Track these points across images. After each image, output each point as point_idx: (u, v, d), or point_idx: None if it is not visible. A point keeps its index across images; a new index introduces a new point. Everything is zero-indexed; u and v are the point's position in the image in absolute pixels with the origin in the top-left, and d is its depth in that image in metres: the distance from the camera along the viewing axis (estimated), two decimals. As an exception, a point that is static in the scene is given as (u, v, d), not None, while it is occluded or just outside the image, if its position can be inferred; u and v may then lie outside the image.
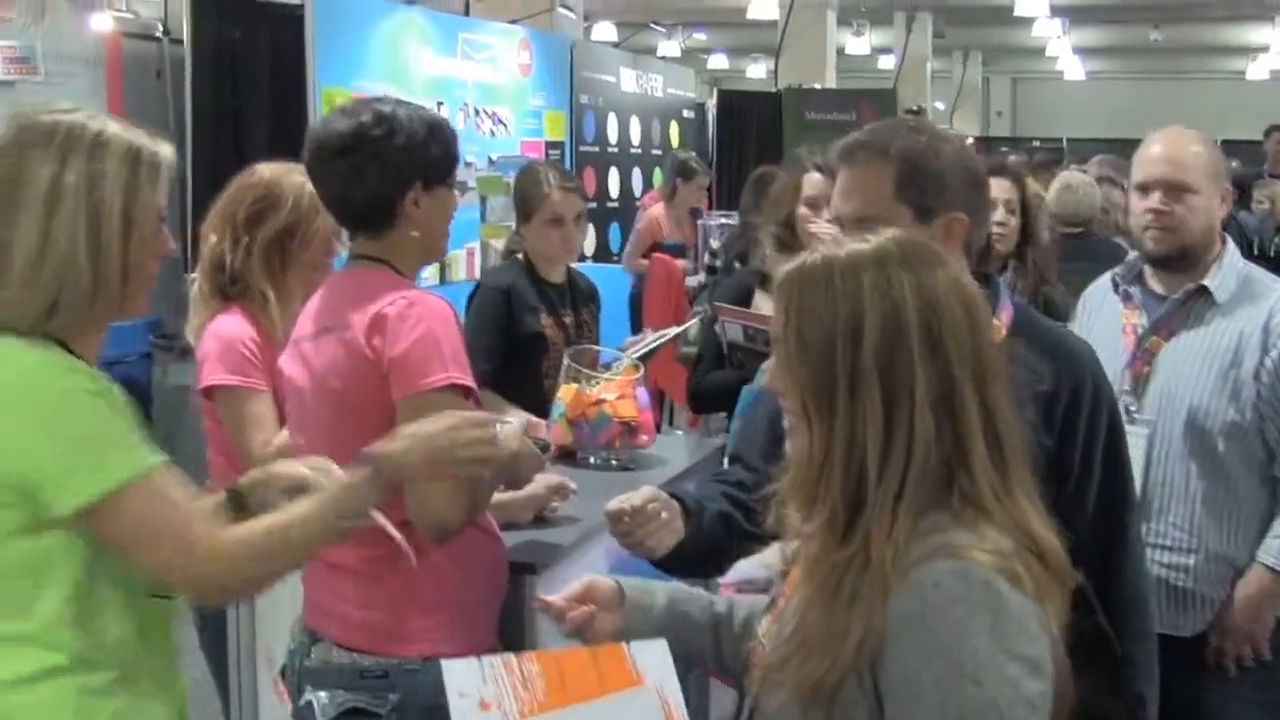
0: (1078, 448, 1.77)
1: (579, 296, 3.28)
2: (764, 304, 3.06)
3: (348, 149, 1.96)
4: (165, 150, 1.58)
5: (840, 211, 1.81)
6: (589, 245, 7.38)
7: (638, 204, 7.66)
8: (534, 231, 3.19)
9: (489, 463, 1.72)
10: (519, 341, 3.08)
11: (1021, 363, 1.68)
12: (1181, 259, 2.39)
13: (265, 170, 2.48)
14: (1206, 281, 2.37)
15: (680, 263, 5.71)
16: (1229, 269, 2.38)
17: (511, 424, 2.10)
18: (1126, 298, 2.49)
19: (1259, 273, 2.43)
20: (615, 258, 7.37)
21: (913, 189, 1.75)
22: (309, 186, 2.23)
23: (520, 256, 3.25)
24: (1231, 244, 2.43)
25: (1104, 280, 2.59)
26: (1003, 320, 1.79)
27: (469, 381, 1.92)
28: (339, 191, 2.01)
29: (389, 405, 1.90)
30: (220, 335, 2.40)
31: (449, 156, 2.04)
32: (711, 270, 5.17)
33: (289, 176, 2.43)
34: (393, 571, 1.91)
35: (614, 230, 7.73)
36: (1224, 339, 2.33)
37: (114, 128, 1.54)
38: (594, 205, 7.50)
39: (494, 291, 3.17)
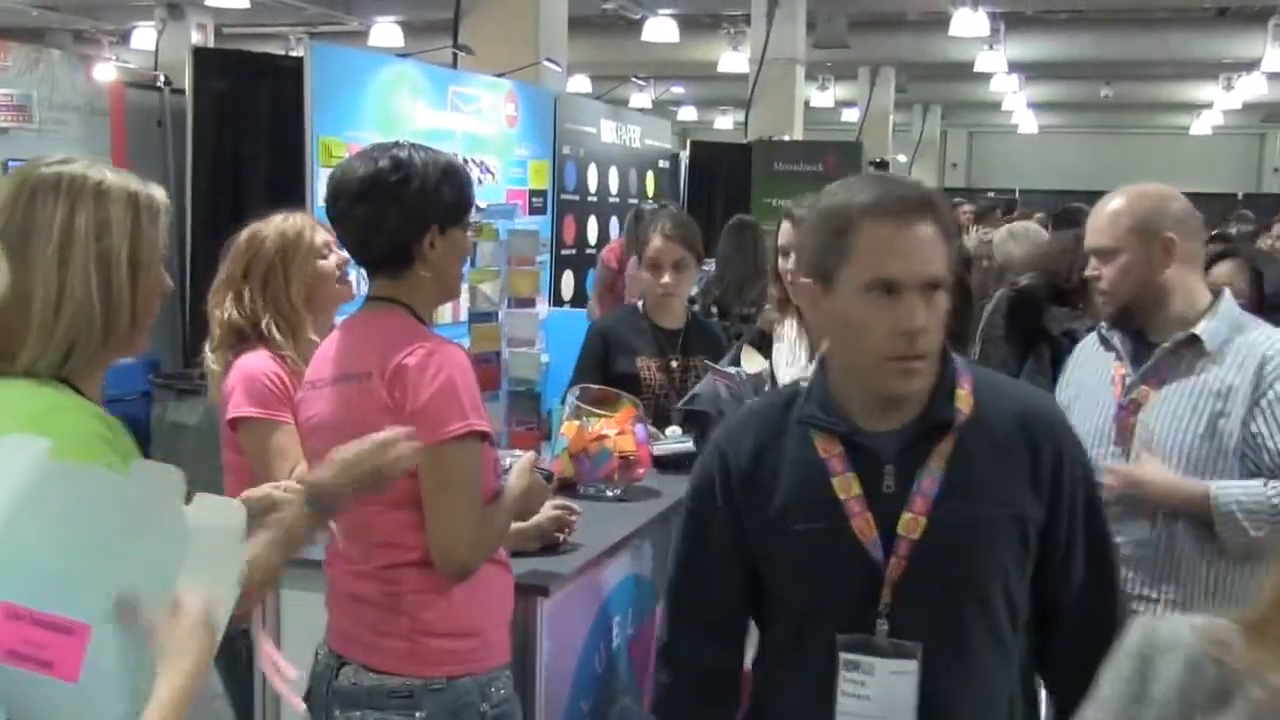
0: (1064, 509, 1.66)
1: (694, 344, 3.43)
2: (747, 360, 3.18)
3: (366, 194, 2.00)
4: (158, 192, 1.62)
5: (905, 276, 1.57)
6: (566, 290, 7.57)
7: (595, 251, 7.68)
8: (641, 274, 3.49)
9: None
10: (614, 380, 3.24)
11: (999, 434, 1.64)
12: (1128, 318, 2.39)
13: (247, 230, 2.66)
14: (1198, 330, 2.29)
15: None
16: (1223, 318, 2.31)
17: (520, 458, 2.23)
18: (1110, 347, 2.43)
19: (1252, 321, 2.36)
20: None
21: (950, 245, 1.63)
22: (287, 225, 2.52)
23: (640, 301, 3.54)
24: (1227, 293, 2.38)
25: (1093, 334, 2.54)
26: (966, 389, 1.69)
27: (486, 427, 2.01)
28: (359, 236, 2.06)
29: None
30: (244, 370, 2.51)
31: (463, 199, 2.08)
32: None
33: (265, 225, 2.60)
34: (408, 605, 2.03)
35: (590, 277, 7.93)
36: (1213, 387, 2.26)
37: (110, 174, 1.57)
38: (572, 252, 7.72)
39: (594, 332, 3.50)
